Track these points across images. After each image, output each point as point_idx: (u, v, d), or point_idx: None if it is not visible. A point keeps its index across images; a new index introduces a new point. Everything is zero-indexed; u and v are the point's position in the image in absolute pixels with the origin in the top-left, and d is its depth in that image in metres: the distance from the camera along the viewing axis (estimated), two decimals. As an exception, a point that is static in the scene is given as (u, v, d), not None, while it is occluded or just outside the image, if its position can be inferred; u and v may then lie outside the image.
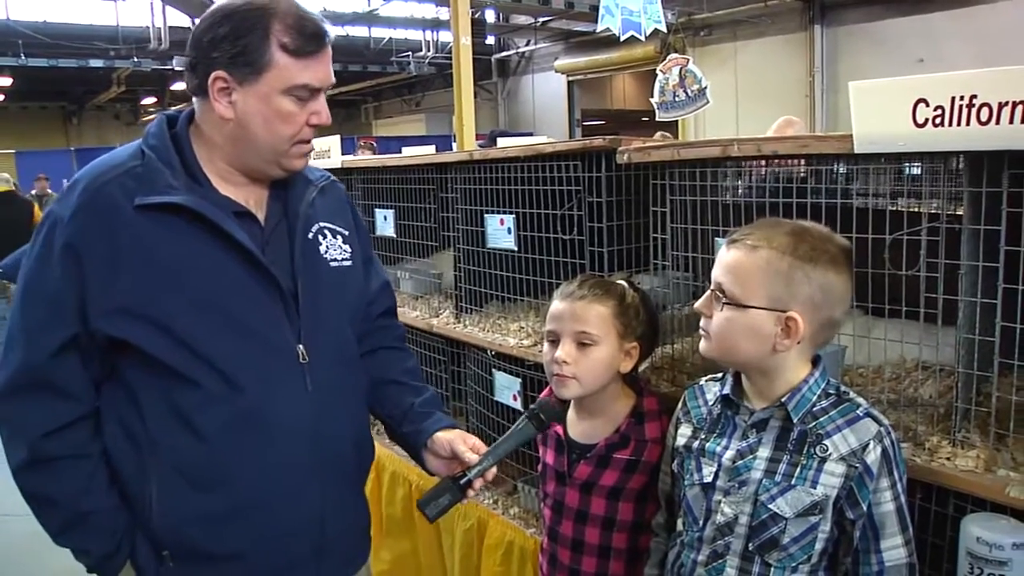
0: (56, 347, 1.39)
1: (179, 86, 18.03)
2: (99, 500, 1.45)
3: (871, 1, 11.14)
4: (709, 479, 1.45)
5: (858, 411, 1.36)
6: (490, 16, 15.55)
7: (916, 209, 1.86)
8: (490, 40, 16.87)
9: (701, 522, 1.45)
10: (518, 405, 2.39)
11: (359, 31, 15.68)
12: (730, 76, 12.71)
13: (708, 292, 1.43)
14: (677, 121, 9.29)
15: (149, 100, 20.40)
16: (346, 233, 1.64)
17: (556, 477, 1.79)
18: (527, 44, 17.11)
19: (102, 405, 1.47)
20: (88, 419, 1.46)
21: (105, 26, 14.52)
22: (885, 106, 1.37)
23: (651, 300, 1.81)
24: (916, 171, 2.17)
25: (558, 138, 2.79)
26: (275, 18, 1.40)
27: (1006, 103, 1.22)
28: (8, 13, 13.43)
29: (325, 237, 1.59)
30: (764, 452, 1.39)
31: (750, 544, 1.38)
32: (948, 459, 1.41)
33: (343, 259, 1.61)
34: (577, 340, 1.68)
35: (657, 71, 6.22)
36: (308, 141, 1.51)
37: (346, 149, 3.69)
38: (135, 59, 14.56)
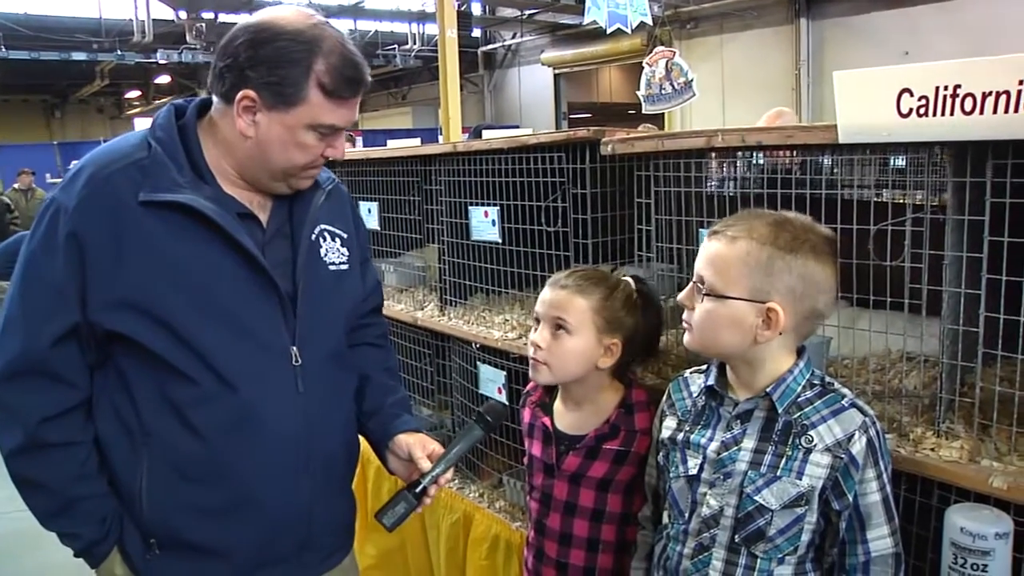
0: (57, 335, 1.40)
1: (163, 79, 17.95)
2: (90, 487, 1.46)
3: (857, -6, 11.19)
4: (694, 471, 1.44)
5: (843, 402, 1.36)
6: (476, 9, 15.51)
7: (901, 200, 1.86)
8: (476, 33, 16.85)
9: (687, 514, 1.45)
10: (503, 398, 2.38)
11: (344, 24, 15.59)
12: (716, 69, 12.73)
13: (690, 284, 1.43)
14: (663, 114, 9.29)
15: (133, 94, 20.25)
16: (345, 236, 1.64)
17: (544, 469, 1.78)
18: (513, 37, 17.08)
19: (95, 391, 1.47)
20: (83, 406, 1.47)
21: (88, 18, 14.39)
22: (869, 96, 1.37)
23: (655, 302, 1.78)
24: (901, 163, 2.18)
25: (544, 131, 2.78)
26: (320, 56, 1.39)
27: (990, 93, 1.21)
28: (-12, 5, 13.32)
29: (325, 240, 1.59)
30: (749, 443, 1.39)
31: (736, 536, 1.38)
32: (932, 450, 1.41)
33: (340, 263, 1.61)
34: (553, 326, 1.69)
35: (644, 64, 6.23)
36: (319, 167, 1.52)
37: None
38: (118, 52, 14.43)
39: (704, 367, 1.54)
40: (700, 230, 1.71)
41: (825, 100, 11.47)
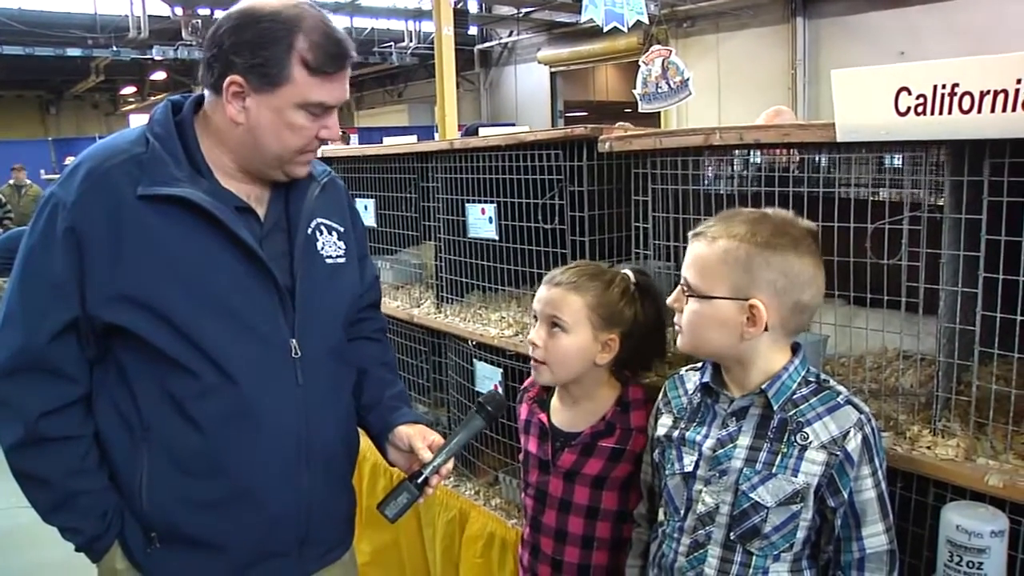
0: (56, 330, 1.40)
1: (159, 76, 17.90)
2: (90, 481, 1.47)
3: (853, -6, 11.20)
4: (690, 468, 1.44)
5: (838, 399, 1.36)
6: (472, 6, 15.49)
7: (897, 199, 1.86)
8: (472, 31, 16.82)
9: (682, 512, 1.45)
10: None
11: (341, 21, 15.57)
12: (712, 68, 12.73)
13: (678, 287, 1.44)
14: (659, 113, 9.30)
15: (128, 90, 20.20)
16: (341, 230, 1.64)
17: (539, 466, 1.78)
18: (510, 35, 17.07)
19: (95, 386, 1.48)
20: (83, 400, 1.47)
21: (83, 14, 14.33)
22: (867, 95, 1.37)
23: (656, 293, 1.77)
24: (898, 162, 2.18)
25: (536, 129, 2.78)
26: (300, 33, 1.40)
27: (988, 92, 1.22)
28: (-17, 0, 13.26)
29: (322, 234, 1.60)
30: (744, 440, 1.39)
31: (731, 533, 1.38)
32: (929, 448, 1.41)
33: (337, 256, 1.61)
34: (549, 324, 1.69)
35: (640, 63, 6.22)
36: (315, 151, 1.52)
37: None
38: (114, 48, 14.39)
39: (700, 364, 1.54)
40: (695, 228, 1.72)
41: (821, 99, 11.49)
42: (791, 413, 1.36)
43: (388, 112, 19.89)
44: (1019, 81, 1.18)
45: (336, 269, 1.61)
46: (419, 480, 1.53)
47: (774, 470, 1.35)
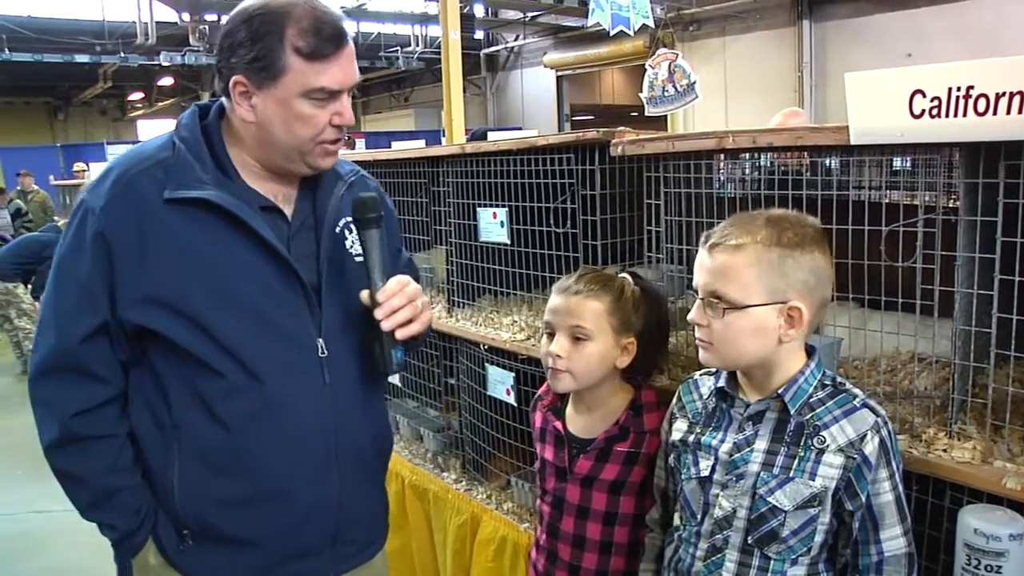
0: (86, 333, 1.44)
1: (166, 81, 17.95)
2: (124, 479, 1.50)
3: (859, -4, 11.20)
4: (706, 473, 1.44)
5: (855, 402, 1.36)
6: (479, 11, 15.50)
7: (911, 201, 1.86)
8: (479, 35, 16.85)
9: (699, 516, 1.45)
10: (511, 399, 2.38)
11: (347, 26, 15.57)
12: (719, 71, 12.74)
13: (698, 302, 1.41)
14: (666, 116, 9.29)
15: (136, 96, 20.27)
16: None
17: (556, 473, 1.78)
18: (516, 39, 17.10)
19: (130, 388, 1.52)
20: (116, 401, 1.51)
21: (91, 21, 14.41)
22: (881, 97, 1.37)
23: (656, 294, 1.79)
24: (908, 164, 2.17)
25: (547, 133, 2.78)
26: (290, 22, 1.41)
27: (1003, 94, 1.21)
28: (-8, 8, 13.33)
29: (351, 232, 1.60)
30: (761, 444, 1.39)
31: (749, 537, 1.38)
32: (945, 451, 1.41)
33: None
34: (571, 334, 1.68)
35: (646, 66, 6.22)
36: (334, 141, 1.52)
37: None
38: (121, 54, 14.47)
39: (714, 369, 1.54)
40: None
41: (828, 102, 11.48)
42: (808, 417, 1.36)
43: (394, 117, 19.92)
44: (1034, 83, 1.18)
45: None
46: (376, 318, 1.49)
47: (791, 474, 1.34)
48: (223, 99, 1.50)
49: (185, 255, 1.42)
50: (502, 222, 2.40)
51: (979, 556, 1.28)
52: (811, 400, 1.37)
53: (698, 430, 1.49)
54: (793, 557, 1.36)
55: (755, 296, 1.34)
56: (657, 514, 1.65)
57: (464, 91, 9.59)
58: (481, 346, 2.52)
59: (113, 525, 1.52)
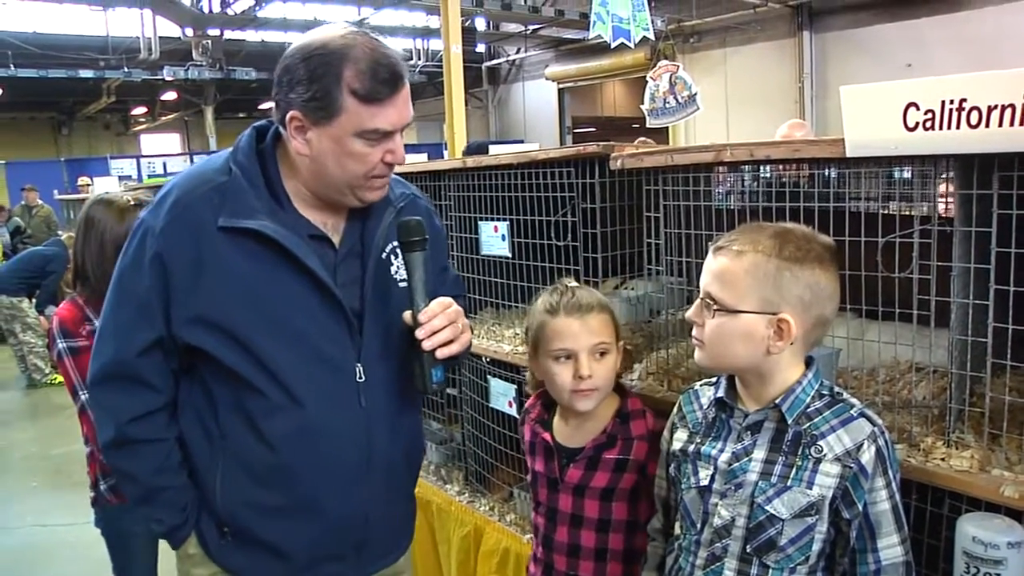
0: (143, 347, 1.53)
1: (169, 96, 18.01)
2: (171, 479, 1.60)
3: (858, 7, 11.23)
4: (705, 482, 1.45)
5: (852, 411, 1.37)
6: (480, 24, 15.57)
7: (908, 212, 1.88)
8: (480, 48, 16.90)
9: (699, 525, 1.46)
10: (513, 411, 2.39)
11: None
12: (720, 82, 12.77)
13: (698, 301, 1.44)
14: (667, 128, 9.32)
15: (140, 110, 20.35)
16: None
17: (548, 484, 1.79)
18: (517, 52, 17.16)
19: (180, 396, 1.61)
20: (167, 408, 1.60)
21: (95, 36, 14.49)
22: (876, 110, 1.39)
23: None
24: (908, 175, 2.19)
25: (548, 146, 2.81)
26: (348, 63, 1.44)
27: (995, 106, 1.23)
28: (-3, 24, 13.40)
29: (397, 257, 1.64)
30: (759, 454, 1.40)
31: (748, 546, 1.39)
32: (943, 460, 1.42)
33: None
34: (594, 352, 1.70)
35: (647, 78, 6.24)
36: (384, 176, 1.55)
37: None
38: (125, 69, 14.53)
39: (714, 379, 1.55)
40: (710, 243, 1.73)
41: (828, 113, 11.51)
42: (805, 426, 1.37)
43: (397, 130, 19.94)
44: (1026, 95, 1.20)
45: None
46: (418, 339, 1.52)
47: (789, 483, 1.36)
48: (279, 126, 1.53)
49: (235, 281, 1.49)
50: (503, 235, 2.41)
51: (978, 564, 1.29)
52: (808, 410, 1.38)
53: (698, 440, 1.51)
54: (791, 566, 1.36)
55: (747, 303, 1.37)
56: (659, 523, 1.66)
57: (466, 104, 9.63)
58: (483, 358, 2.54)
59: (160, 519, 1.62)
